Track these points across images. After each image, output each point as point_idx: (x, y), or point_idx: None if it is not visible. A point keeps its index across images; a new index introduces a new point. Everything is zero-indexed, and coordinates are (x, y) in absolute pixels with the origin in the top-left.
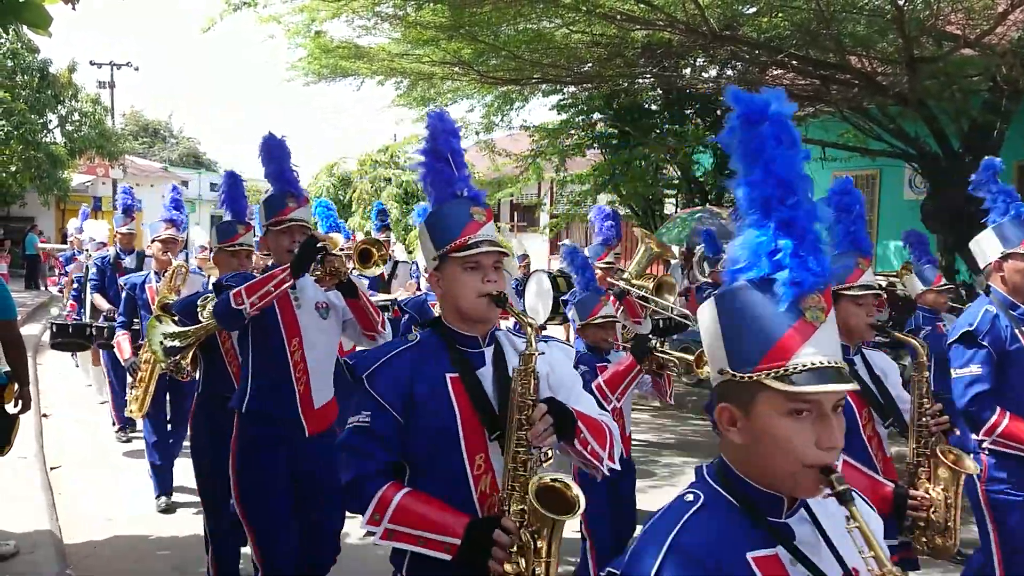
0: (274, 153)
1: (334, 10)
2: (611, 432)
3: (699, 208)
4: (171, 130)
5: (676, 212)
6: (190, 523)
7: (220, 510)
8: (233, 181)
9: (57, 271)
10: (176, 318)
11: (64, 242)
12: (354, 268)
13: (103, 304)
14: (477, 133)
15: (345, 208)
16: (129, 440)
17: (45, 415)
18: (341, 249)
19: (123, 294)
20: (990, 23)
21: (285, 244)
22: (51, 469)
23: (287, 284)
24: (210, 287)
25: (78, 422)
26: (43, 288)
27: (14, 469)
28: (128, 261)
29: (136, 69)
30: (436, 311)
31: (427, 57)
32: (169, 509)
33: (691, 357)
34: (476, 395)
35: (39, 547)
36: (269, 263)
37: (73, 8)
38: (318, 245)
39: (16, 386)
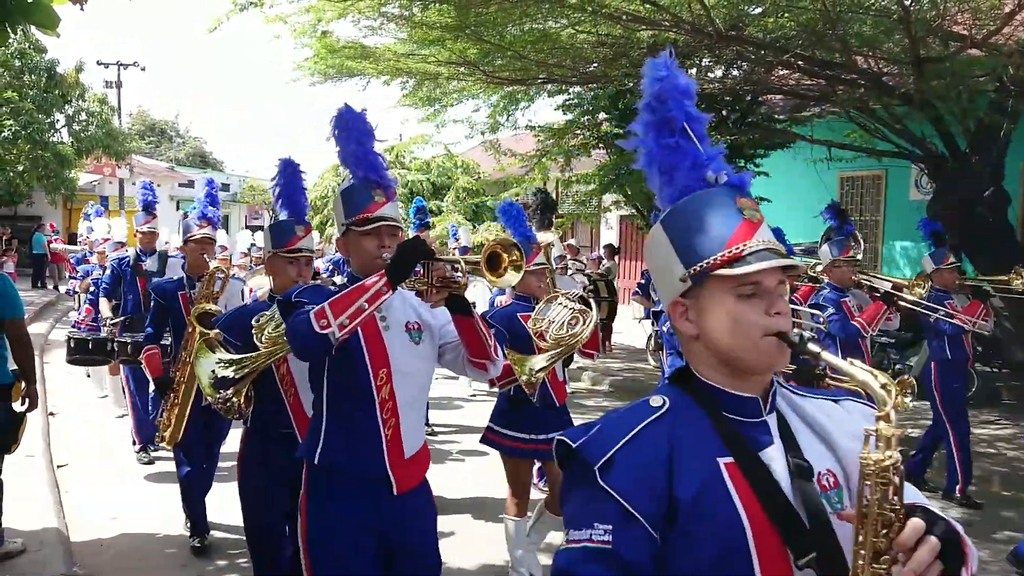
0: (354, 130)
1: (340, 10)
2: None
3: None
4: (177, 129)
5: None
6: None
7: (275, 564)
8: (291, 171)
9: (68, 273)
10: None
11: (72, 242)
12: (476, 278)
13: (106, 311)
14: (483, 133)
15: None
16: (151, 462)
17: (52, 413)
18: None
19: (152, 302)
20: (997, 23)
21: (371, 249)
22: (58, 467)
23: (384, 297)
24: (251, 297)
25: (85, 421)
26: (52, 287)
27: (21, 467)
28: (149, 263)
29: (143, 69)
30: (530, 326)
31: (433, 57)
32: (203, 549)
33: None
34: (766, 493)
35: (46, 545)
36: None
37: (81, 8)
38: (423, 248)
39: (23, 384)
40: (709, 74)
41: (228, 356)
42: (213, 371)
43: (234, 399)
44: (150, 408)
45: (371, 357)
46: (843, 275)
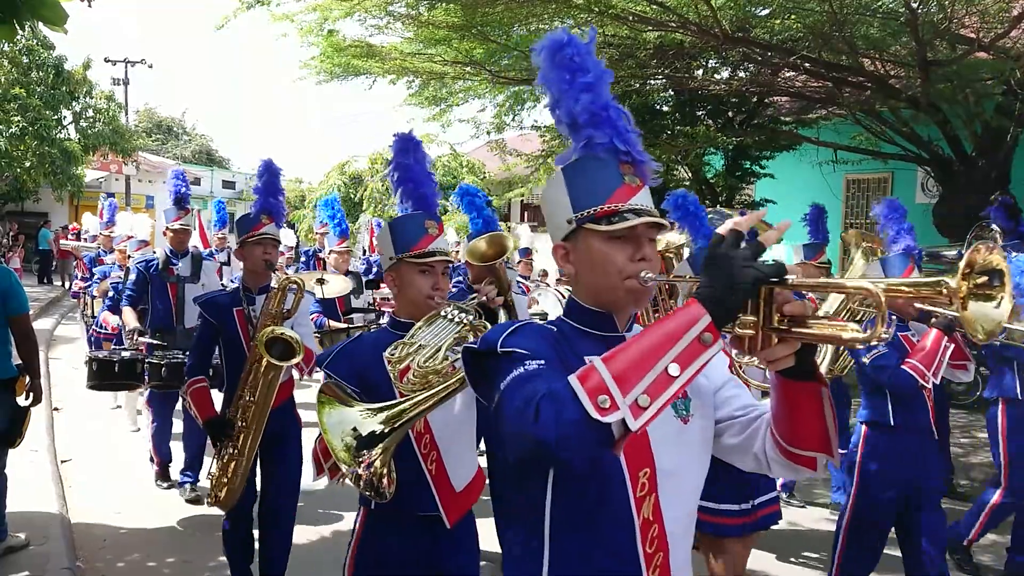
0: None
1: (347, 9)
2: None
3: (710, 209)
4: (184, 127)
5: None
6: (198, 519)
7: None
8: (410, 145)
9: (80, 274)
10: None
11: (77, 238)
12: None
13: (131, 321)
14: (488, 133)
15: (356, 206)
16: (170, 487)
17: (56, 408)
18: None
19: (199, 320)
20: (1004, 26)
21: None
22: (62, 462)
23: (711, 353)
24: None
25: (89, 416)
26: (63, 284)
27: (25, 462)
28: (181, 266)
29: (150, 66)
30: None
31: (439, 56)
32: None
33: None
34: None
35: (49, 539)
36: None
37: (89, 5)
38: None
39: (27, 379)
40: (715, 75)
41: (374, 404)
42: (355, 428)
43: (380, 468)
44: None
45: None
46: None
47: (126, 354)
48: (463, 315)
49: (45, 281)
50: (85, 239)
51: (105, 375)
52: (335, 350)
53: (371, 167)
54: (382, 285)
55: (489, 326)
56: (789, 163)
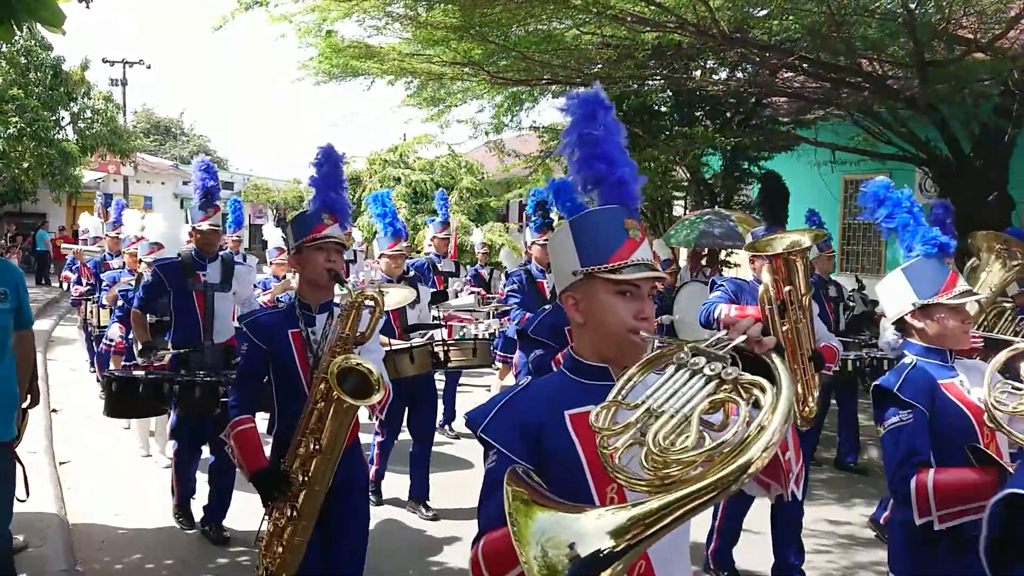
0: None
1: (345, 10)
2: None
3: (708, 210)
4: (182, 127)
5: (685, 214)
6: (199, 519)
7: None
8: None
9: (85, 279)
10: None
11: (74, 240)
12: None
13: (142, 332)
14: (487, 134)
15: (355, 207)
16: (190, 528)
17: (55, 410)
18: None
19: (244, 345)
20: (1002, 27)
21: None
22: (60, 464)
23: None
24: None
25: (87, 418)
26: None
27: (23, 464)
28: (210, 273)
29: (148, 67)
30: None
31: (437, 57)
32: None
33: None
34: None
35: (48, 541)
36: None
37: (87, 6)
38: None
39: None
40: (713, 76)
41: (603, 508)
42: (572, 544)
43: None
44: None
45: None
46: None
47: (142, 372)
48: (714, 364)
49: (43, 282)
50: (84, 240)
51: (127, 399)
52: (494, 405)
53: (369, 168)
54: (464, 291)
55: (755, 381)
56: (787, 163)
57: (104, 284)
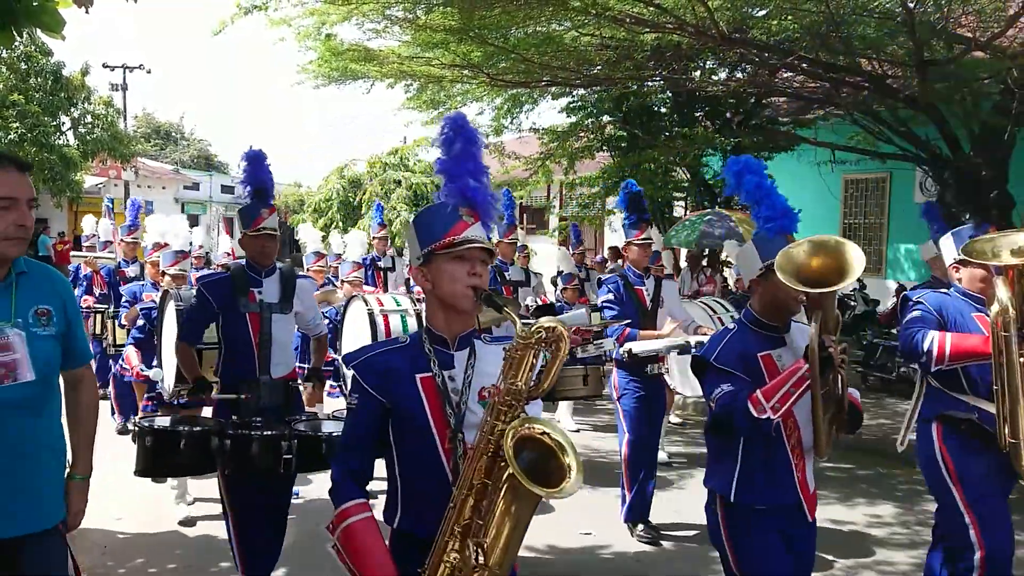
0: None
1: (344, 13)
2: None
3: (708, 211)
4: (183, 132)
5: (686, 215)
6: (201, 524)
7: None
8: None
9: (98, 290)
10: None
11: (77, 246)
12: None
13: (192, 366)
14: (487, 136)
15: (355, 210)
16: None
17: None
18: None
19: (353, 401)
20: (1001, 26)
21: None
22: None
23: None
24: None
25: None
26: None
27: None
28: (267, 290)
29: (148, 72)
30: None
31: (437, 60)
32: None
33: None
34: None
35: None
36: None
37: (86, 11)
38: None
39: None
40: (713, 76)
41: None
42: None
43: None
44: None
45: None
46: None
47: (181, 424)
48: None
49: None
50: (90, 247)
51: (165, 456)
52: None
53: (370, 170)
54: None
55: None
56: (787, 163)
57: (124, 300)
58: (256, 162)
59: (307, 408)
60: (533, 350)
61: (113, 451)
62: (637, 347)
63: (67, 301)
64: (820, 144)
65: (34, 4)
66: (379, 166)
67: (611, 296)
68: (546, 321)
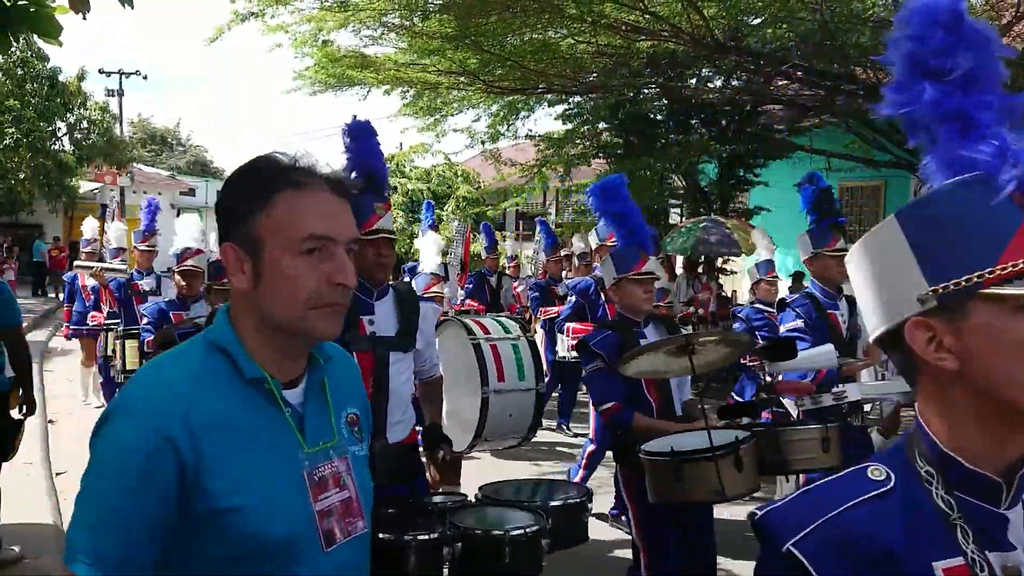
0: None
1: (341, 20)
2: None
3: (704, 217)
4: (178, 138)
5: (682, 222)
6: None
7: None
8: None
9: (107, 308)
10: None
11: (74, 253)
12: None
13: None
14: (483, 143)
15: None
16: None
17: (51, 420)
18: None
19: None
20: None
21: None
22: (57, 474)
23: None
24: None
25: (84, 428)
26: (56, 296)
27: (20, 475)
28: (379, 318)
29: (144, 78)
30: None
31: (433, 67)
32: None
33: None
34: None
35: (44, 552)
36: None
37: (84, 18)
38: None
39: (21, 391)
40: (708, 84)
41: None
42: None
43: None
44: None
45: None
46: None
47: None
48: None
49: (39, 293)
50: (89, 253)
51: None
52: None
53: None
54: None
55: None
56: (783, 171)
57: (146, 322)
58: (364, 136)
59: (433, 485)
60: None
61: None
62: (862, 390)
63: (364, 396)
64: (815, 151)
65: (31, 10)
66: None
67: (800, 323)
68: None
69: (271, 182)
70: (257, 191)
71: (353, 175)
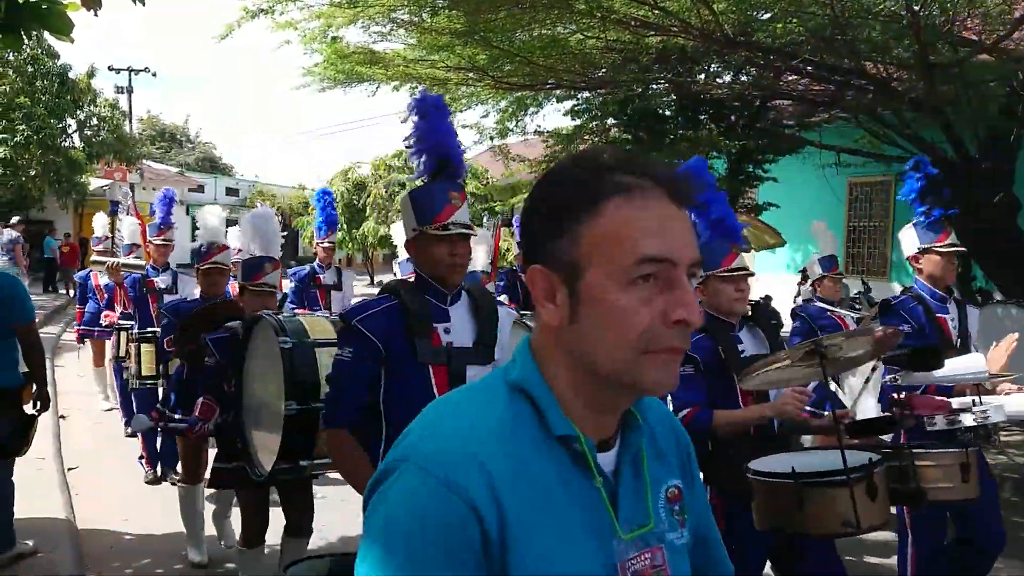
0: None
1: (350, 16)
2: None
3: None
4: (188, 134)
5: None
6: (209, 525)
7: None
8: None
9: (120, 308)
10: None
11: (84, 250)
12: None
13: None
14: (491, 139)
15: (359, 212)
16: None
17: (63, 416)
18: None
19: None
20: (1006, 28)
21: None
22: (69, 470)
23: None
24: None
25: (95, 423)
26: (67, 292)
27: (33, 470)
28: (455, 325)
29: (154, 75)
30: None
31: (442, 63)
32: None
33: None
34: None
35: (57, 547)
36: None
37: (95, 14)
38: None
39: (34, 387)
40: (718, 80)
41: None
42: None
43: None
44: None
45: None
46: None
47: None
48: None
49: (50, 289)
50: (97, 250)
51: None
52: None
53: (374, 173)
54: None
55: None
56: (792, 167)
57: (165, 320)
58: (435, 114)
59: None
60: None
61: (120, 453)
62: (1009, 410)
63: (690, 463)
64: (825, 147)
65: (43, 7)
66: (383, 169)
67: (908, 328)
68: None
69: (593, 188)
70: (574, 201)
71: (421, 157)
